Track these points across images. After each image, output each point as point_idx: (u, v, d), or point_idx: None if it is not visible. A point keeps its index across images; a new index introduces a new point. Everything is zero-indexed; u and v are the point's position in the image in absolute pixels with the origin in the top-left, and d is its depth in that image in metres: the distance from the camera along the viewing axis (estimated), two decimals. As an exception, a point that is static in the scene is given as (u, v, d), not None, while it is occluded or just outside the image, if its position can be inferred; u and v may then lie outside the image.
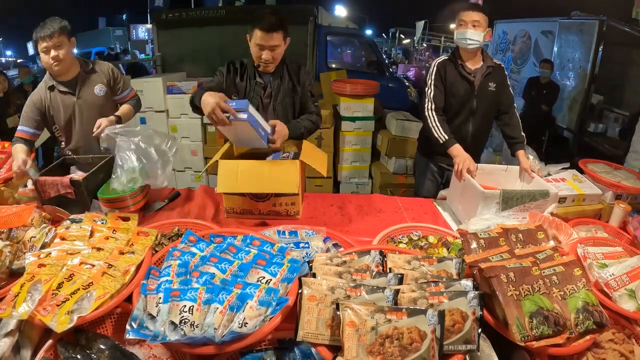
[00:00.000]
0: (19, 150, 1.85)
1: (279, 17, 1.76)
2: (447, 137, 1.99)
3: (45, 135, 4.03)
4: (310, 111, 1.98)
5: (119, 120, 1.97)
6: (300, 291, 0.97)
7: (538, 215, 1.58)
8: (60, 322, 0.96)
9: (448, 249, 1.46)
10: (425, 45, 15.21)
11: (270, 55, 1.80)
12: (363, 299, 0.97)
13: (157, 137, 1.78)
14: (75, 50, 2.01)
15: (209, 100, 1.54)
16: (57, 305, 0.99)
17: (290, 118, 1.97)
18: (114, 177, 1.68)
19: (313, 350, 0.98)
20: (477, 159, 2.03)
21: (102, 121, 1.86)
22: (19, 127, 1.99)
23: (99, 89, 2.06)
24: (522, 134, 2.09)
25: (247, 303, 0.98)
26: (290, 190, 1.63)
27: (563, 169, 2.03)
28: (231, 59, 1.94)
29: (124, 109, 2.11)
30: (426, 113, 2.07)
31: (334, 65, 5.90)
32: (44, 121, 2.05)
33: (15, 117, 4.00)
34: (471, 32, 1.97)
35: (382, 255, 1.20)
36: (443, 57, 2.16)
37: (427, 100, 2.08)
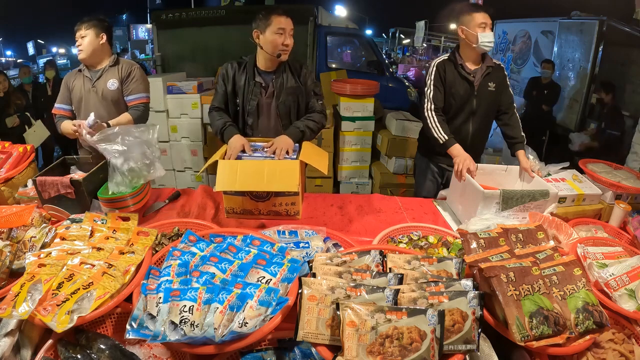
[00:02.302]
0: (66, 122, 2.02)
1: None
2: (447, 137, 1.99)
3: (45, 134, 4.04)
4: (313, 110, 1.97)
5: None
6: (300, 291, 0.97)
7: (538, 215, 1.59)
8: (60, 322, 0.96)
9: (448, 249, 1.46)
10: (425, 45, 15.17)
11: (290, 40, 1.84)
12: (363, 299, 0.97)
13: (136, 130, 1.75)
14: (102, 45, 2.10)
15: (232, 144, 1.78)
16: (57, 305, 0.99)
17: (294, 117, 1.96)
18: (109, 182, 1.67)
19: (313, 350, 0.98)
20: (477, 159, 2.03)
21: (81, 123, 1.77)
22: (56, 105, 2.15)
23: (111, 83, 2.11)
24: (522, 134, 2.09)
25: (247, 303, 0.98)
26: (291, 189, 1.62)
27: (563, 169, 2.04)
28: (231, 59, 1.94)
29: (120, 119, 2.03)
30: (426, 113, 2.07)
31: (334, 65, 5.89)
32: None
33: (15, 117, 3.97)
34: (492, 34, 1.98)
35: (382, 255, 1.20)
36: (442, 57, 2.15)
37: (426, 100, 2.08)
